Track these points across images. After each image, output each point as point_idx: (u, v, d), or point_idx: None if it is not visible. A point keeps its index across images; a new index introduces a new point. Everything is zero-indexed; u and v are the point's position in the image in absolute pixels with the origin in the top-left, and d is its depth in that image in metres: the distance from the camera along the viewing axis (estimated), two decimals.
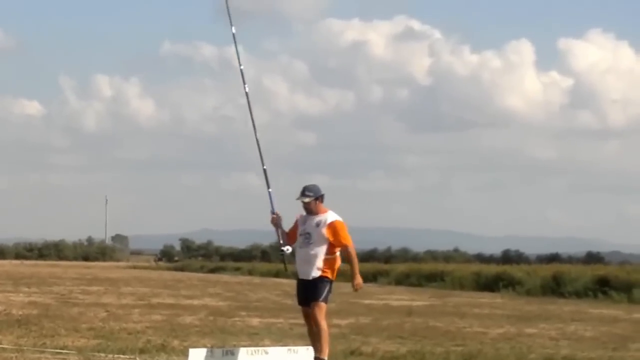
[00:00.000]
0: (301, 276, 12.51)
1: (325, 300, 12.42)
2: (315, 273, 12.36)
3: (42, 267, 79.85)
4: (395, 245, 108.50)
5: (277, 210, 12.85)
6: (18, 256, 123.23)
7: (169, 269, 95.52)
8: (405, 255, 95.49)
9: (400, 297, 34.84)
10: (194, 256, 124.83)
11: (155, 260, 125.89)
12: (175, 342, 15.63)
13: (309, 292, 12.40)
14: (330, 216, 12.46)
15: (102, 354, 13.99)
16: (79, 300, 27.56)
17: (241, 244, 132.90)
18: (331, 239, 12.36)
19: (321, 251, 12.37)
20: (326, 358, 12.34)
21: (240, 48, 13.39)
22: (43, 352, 14.21)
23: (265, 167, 12.93)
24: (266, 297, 32.49)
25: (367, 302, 30.48)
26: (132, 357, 13.86)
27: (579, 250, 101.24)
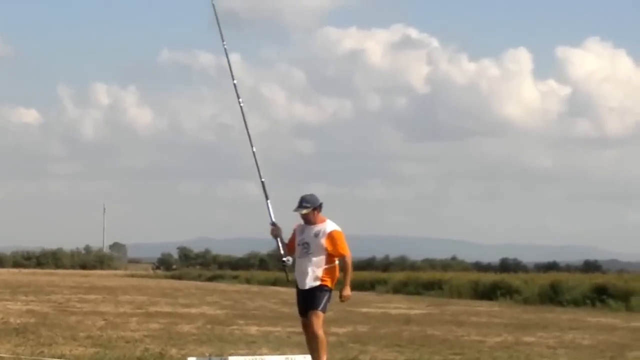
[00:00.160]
0: (300, 286, 12.49)
1: (324, 310, 12.40)
2: (314, 283, 12.36)
3: (40, 276, 79.77)
4: (393, 253, 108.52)
5: (275, 220, 12.85)
6: (16, 264, 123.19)
7: (166, 277, 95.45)
8: (403, 264, 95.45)
9: (398, 306, 34.82)
10: (192, 264, 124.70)
11: (153, 269, 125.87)
12: (173, 351, 15.63)
13: (308, 301, 12.40)
14: (329, 226, 12.45)
15: None
16: (76, 308, 27.54)
17: (239, 252, 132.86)
18: (330, 248, 12.36)
19: (320, 261, 12.37)
20: None
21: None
22: None
23: (263, 179, 12.94)
24: (264, 306, 32.48)
25: (365, 310, 30.47)
26: None
27: (577, 258, 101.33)
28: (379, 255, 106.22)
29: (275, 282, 65.49)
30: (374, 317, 27.00)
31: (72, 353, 15.07)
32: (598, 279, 40.33)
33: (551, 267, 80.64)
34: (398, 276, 57.01)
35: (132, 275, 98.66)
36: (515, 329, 23.17)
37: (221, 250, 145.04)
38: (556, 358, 16.57)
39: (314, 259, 12.36)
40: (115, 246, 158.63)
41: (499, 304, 38.04)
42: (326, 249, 12.33)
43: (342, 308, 28.07)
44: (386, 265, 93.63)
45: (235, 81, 13.39)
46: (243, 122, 13.19)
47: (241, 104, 13.33)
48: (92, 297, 36.21)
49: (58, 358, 14.48)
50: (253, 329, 20.95)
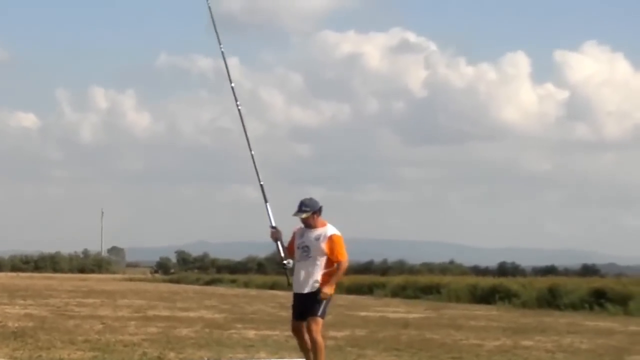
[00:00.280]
0: (298, 290, 12.45)
1: (323, 316, 12.36)
2: (313, 287, 12.35)
3: (38, 280, 79.77)
4: (392, 257, 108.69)
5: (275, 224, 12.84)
6: (14, 268, 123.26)
7: (165, 281, 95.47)
8: (401, 268, 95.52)
9: (397, 310, 34.82)
10: (190, 268, 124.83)
11: (151, 273, 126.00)
12: (172, 355, 15.63)
13: (308, 305, 12.34)
14: (329, 230, 12.43)
15: None
16: (75, 312, 27.52)
17: (237, 256, 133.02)
18: (328, 252, 12.36)
19: (320, 265, 12.36)
20: None
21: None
22: None
23: (262, 182, 12.93)
24: (262, 310, 32.47)
25: (363, 314, 30.47)
26: None
27: (575, 262, 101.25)
28: (377, 259, 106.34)
29: (273, 286, 65.53)
30: (372, 321, 26.99)
31: (70, 357, 15.06)
32: (596, 283, 40.36)
33: (549, 271, 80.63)
34: (396, 280, 57.01)
35: (131, 279, 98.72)
36: (514, 333, 23.16)
37: (219, 254, 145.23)
38: None
39: (314, 262, 12.35)
40: (114, 250, 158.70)
41: (497, 308, 38.05)
42: (326, 253, 12.33)
43: (341, 312, 28.10)
44: (384, 269, 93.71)
45: (233, 84, 13.40)
46: (241, 125, 13.20)
47: (239, 107, 13.34)
48: (91, 301, 36.19)
49: None
50: (251, 333, 20.94)
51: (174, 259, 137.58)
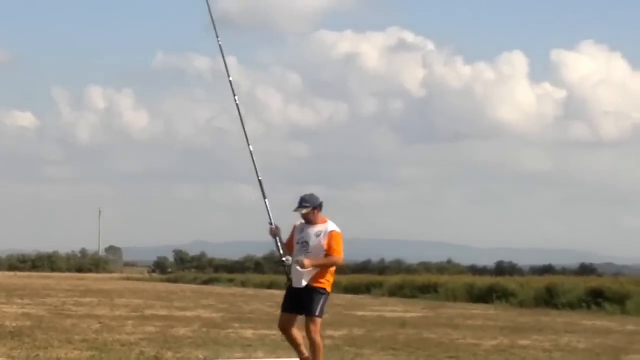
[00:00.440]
0: (295, 284, 12.40)
1: (321, 314, 12.33)
2: (310, 282, 12.33)
3: (35, 279, 79.73)
4: (389, 256, 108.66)
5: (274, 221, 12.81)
6: (11, 267, 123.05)
7: (162, 280, 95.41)
8: (398, 267, 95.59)
9: (394, 309, 34.83)
10: (187, 268, 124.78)
11: (148, 272, 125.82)
12: (169, 354, 15.63)
13: (304, 301, 12.33)
14: (330, 226, 12.42)
15: None
16: (72, 311, 27.51)
17: (234, 255, 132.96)
18: (327, 249, 12.34)
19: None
20: None
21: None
22: None
23: (260, 177, 12.91)
24: (259, 309, 32.46)
25: (360, 313, 30.47)
26: None
27: (573, 261, 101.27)
28: (375, 258, 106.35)
29: (270, 285, 65.55)
30: (370, 320, 27.00)
31: (68, 356, 15.06)
32: (593, 282, 40.38)
33: (547, 270, 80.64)
34: (394, 279, 57.05)
35: (128, 279, 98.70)
36: (511, 332, 23.18)
37: (217, 253, 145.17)
38: None
39: (313, 257, 12.31)
40: (111, 249, 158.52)
41: (494, 307, 38.07)
42: (325, 250, 12.32)
43: (338, 311, 28.10)
44: (382, 268, 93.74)
45: (230, 78, 13.35)
46: (239, 121, 13.16)
47: (237, 102, 13.29)
48: (88, 300, 36.18)
49: None
50: (248, 332, 20.94)
51: (171, 258, 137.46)
